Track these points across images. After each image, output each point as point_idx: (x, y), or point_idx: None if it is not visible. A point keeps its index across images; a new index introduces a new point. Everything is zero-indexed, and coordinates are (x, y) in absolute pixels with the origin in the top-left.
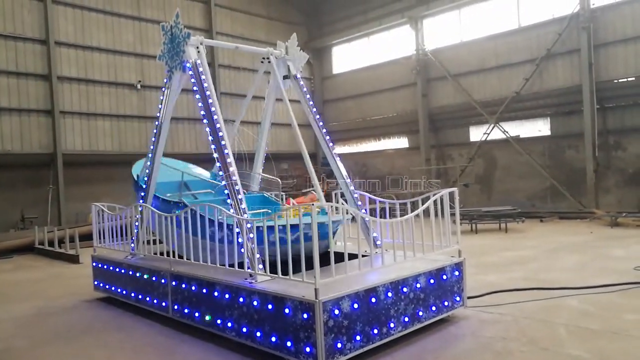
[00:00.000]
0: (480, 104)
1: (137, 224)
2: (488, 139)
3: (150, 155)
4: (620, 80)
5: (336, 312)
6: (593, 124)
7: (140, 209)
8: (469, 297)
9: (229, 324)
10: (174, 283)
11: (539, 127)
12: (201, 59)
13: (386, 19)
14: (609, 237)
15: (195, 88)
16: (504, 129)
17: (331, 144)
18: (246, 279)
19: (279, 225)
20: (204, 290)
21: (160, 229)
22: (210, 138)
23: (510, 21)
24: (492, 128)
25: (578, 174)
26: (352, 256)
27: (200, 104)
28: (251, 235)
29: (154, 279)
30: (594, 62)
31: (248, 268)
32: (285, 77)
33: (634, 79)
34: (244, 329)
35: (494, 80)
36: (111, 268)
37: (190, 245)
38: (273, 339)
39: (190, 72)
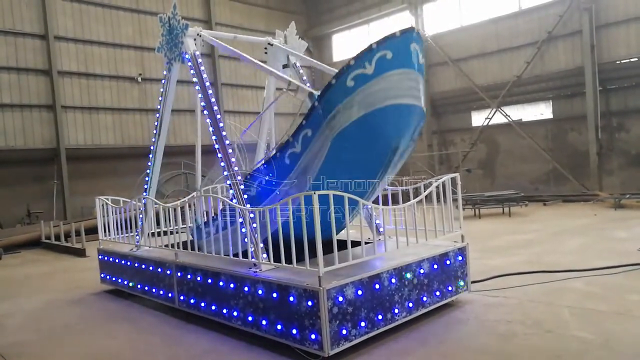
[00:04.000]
0: (481, 89)
1: (141, 216)
2: (490, 123)
3: (152, 147)
4: (622, 61)
5: (340, 299)
6: (595, 106)
7: (143, 201)
8: (473, 282)
9: (235, 313)
10: (179, 274)
11: (541, 111)
12: (198, 50)
13: (385, 5)
14: (612, 219)
15: (194, 79)
16: (506, 113)
17: None
18: (250, 268)
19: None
20: (209, 281)
21: None
22: (210, 129)
23: (510, 4)
24: (494, 112)
25: (581, 156)
26: (355, 243)
27: (200, 95)
28: (254, 225)
29: (159, 270)
30: (596, 43)
31: (252, 257)
32: (284, 66)
33: (636, 59)
34: (250, 318)
35: (495, 65)
36: (117, 260)
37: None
38: (278, 327)
39: (190, 64)
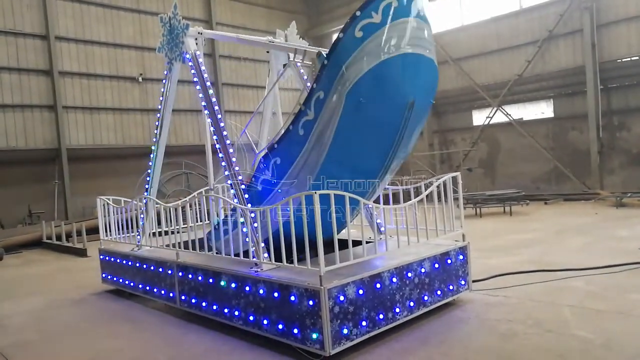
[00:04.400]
0: (482, 88)
1: (142, 216)
2: (491, 122)
3: (153, 147)
4: (623, 60)
5: (341, 298)
6: (597, 105)
7: (144, 201)
8: (474, 281)
9: (236, 313)
10: (180, 274)
11: (542, 109)
12: (199, 49)
13: None
14: (614, 218)
15: (195, 79)
16: (507, 112)
17: None
18: (251, 267)
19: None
20: (210, 280)
21: None
22: (212, 129)
23: (511, 3)
24: (495, 111)
25: (582, 155)
26: (356, 243)
27: (200, 95)
28: (255, 225)
29: (160, 270)
30: (597, 42)
31: (253, 257)
32: (285, 66)
33: (637, 58)
34: (251, 317)
35: (496, 64)
36: (118, 260)
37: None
38: (280, 326)
39: (190, 63)
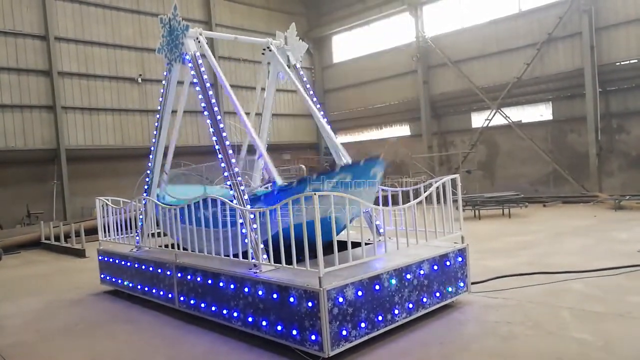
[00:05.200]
0: (481, 90)
1: (141, 217)
2: (490, 124)
3: (152, 148)
4: (622, 63)
5: (340, 300)
6: (595, 108)
7: (144, 202)
8: (473, 283)
9: (235, 314)
10: (179, 275)
11: (541, 112)
12: (203, 49)
13: (385, 6)
14: (612, 221)
15: (195, 80)
16: (506, 114)
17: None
18: (250, 269)
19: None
20: (209, 281)
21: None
22: (211, 130)
23: (510, 6)
24: (494, 114)
25: (581, 158)
26: (355, 244)
27: (200, 96)
28: (254, 226)
29: (159, 271)
30: (596, 45)
31: (252, 258)
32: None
33: (636, 60)
34: (250, 319)
35: (495, 66)
36: (117, 261)
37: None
38: (279, 327)
39: (190, 65)
